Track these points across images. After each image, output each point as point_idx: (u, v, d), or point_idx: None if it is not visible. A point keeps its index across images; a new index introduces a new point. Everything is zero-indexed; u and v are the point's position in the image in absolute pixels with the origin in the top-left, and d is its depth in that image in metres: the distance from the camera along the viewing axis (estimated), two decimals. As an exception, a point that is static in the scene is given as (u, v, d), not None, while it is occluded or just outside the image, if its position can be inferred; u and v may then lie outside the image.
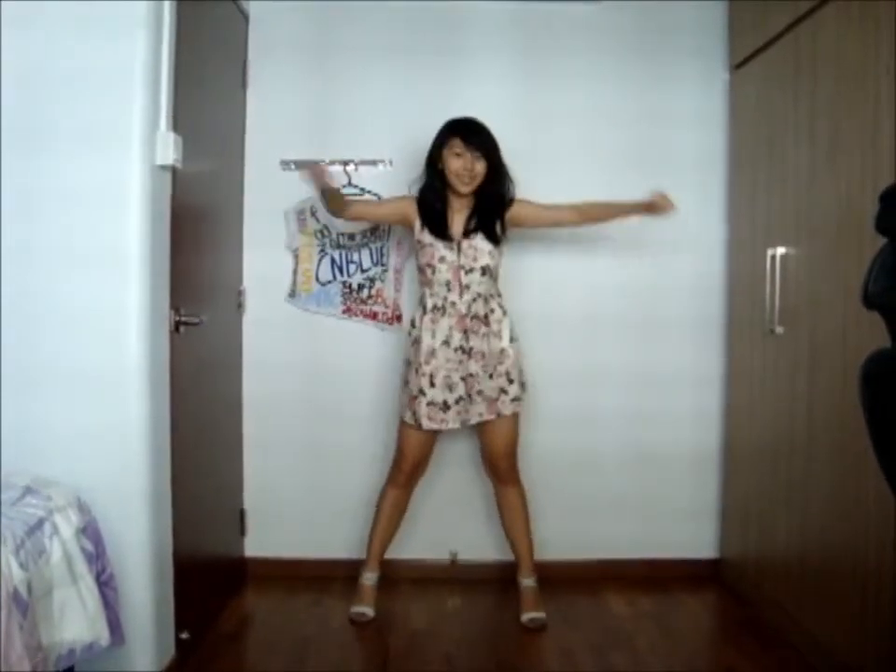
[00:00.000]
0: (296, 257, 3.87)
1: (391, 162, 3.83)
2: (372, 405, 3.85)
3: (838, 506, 2.83)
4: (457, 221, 3.31)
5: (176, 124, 2.75)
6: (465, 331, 3.26)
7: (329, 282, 3.87)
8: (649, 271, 3.87)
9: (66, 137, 2.57)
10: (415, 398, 3.27)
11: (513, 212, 3.33)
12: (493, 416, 3.30)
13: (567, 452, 3.84)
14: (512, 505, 3.44)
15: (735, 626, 3.40)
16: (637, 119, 3.86)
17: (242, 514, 3.85)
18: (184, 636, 2.90)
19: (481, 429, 3.40)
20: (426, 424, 3.27)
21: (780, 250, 3.24)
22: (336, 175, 3.76)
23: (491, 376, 3.28)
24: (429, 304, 3.29)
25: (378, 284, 3.86)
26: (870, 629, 2.63)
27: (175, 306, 2.82)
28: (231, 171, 3.70)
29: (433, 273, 3.27)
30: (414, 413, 3.28)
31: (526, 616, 3.35)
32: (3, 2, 2.54)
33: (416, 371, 3.27)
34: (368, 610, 3.39)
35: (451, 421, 3.29)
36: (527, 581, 3.42)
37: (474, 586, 3.64)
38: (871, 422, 1.65)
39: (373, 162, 3.82)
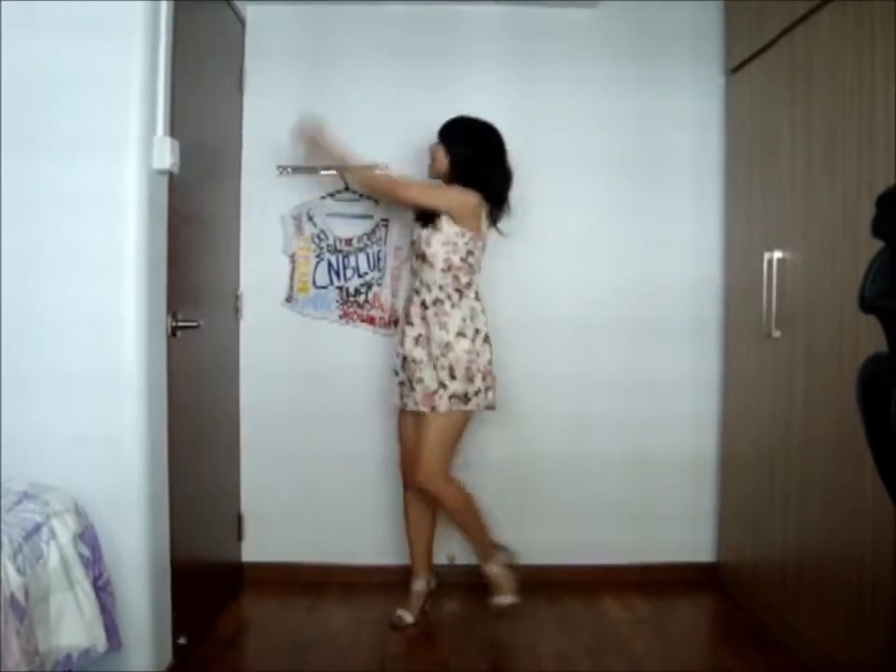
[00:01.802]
0: (293, 261, 3.87)
1: (387, 166, 3.82)
2: (369, 410, 3.85)
3: (835, 510, 2.83)
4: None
5: (173, 129, 2.74)
6: (422, 318, 3.29)
7: (326, 286, 3.87)
8: (645, 275, 3.88)
9: (63, 142, 2.56)
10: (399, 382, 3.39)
11: None
12: (427, 409, 3.25)
13: (563, 456, 3.84)
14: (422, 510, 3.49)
15: (732, 630, 3.40)
16: (633, 123, 3.86)
17: (239, 519, 3.85)
18: (181, 641, 2.89)
19: (412, 429, 3.39)
20: (396, 401, 3.40)
21: (777, 254, 3.24)
22: (333, 180, 3.79)
23: (434, 367, 3.25)
24: (408, 294, 3.45)
25: (375, 288, 3.86)
26: (867, 633, 2.63)
27: (172, 311, 2.81)
28: (228, 175, 3.70)
29: (405, 258, 3.49)
30: (401, 396, 3.38)
31: (493, 600, 3.42)
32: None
33: (397, 354, 3.41)
34: (405, 615, 3.40)
35: (409, 402, 3.32)
36: (486, 568, 3.45)
37: (472, 589, 3.64)
38: (868, 426, 1.65)
39: (370, 167, 3.81)
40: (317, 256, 3.87)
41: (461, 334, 3.25)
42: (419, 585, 3.45)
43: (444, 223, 3.25)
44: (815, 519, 2.99)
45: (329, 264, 3.87)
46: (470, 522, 3.41)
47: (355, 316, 3.88)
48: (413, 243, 3.38)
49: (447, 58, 3.83)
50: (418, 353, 3.27)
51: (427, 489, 3.33)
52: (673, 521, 3.90)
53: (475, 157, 3.31)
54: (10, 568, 1.98)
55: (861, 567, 2.67)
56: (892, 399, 1.55)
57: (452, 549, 3.80)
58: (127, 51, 2.58)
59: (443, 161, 3.34)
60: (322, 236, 3.86)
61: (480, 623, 3.44)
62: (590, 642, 3.25)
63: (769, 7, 3.29)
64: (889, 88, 2.52)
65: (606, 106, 3.81)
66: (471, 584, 3.61)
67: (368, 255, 3.87)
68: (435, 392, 3.22)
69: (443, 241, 3.26)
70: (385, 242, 3.85)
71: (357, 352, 3.86)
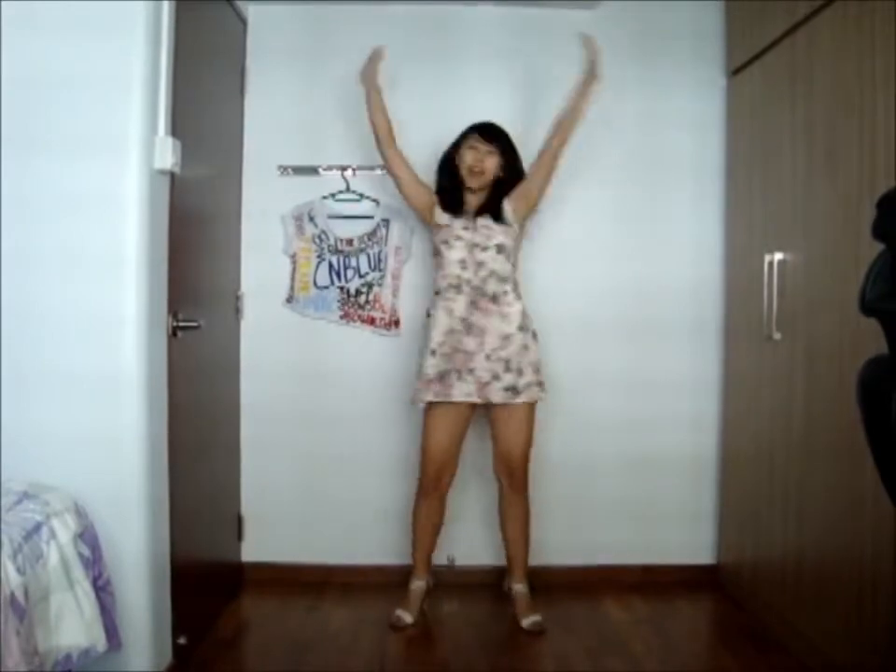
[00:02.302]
0: (294, 262, 3.87)
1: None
2: (370, 410, 3.85)
3: (835, 511, 2.83)
4: (472, 203, 3.40)
5: (175, 129, 2.75)
6: (471, 304, 3.28)
7: (327, 287, 3.87)
8: (646, 276, 3.88)
9: (64, 142, 2.56)
10: (431, 380, 3.29)
11: (518, 192, 3.39)
12: (479, 400, 3.28)
13: (563, 457, 3.84)
14: (517, 515, 3.43)
15: (733, 631, 3.40)
16: (634, 124, 3.87)
17: (239, 519, 3.85)
18: (181, 641, 2.89)
19: (493, 426, 3.39)
20: (441, 397, 3.29)
21: (778, 256, 3.24)
22: (333, 181, 3.79)
23: (488, 357, 3.26)
24: (444, 284, 3.32)
25: (376, 289, 3.86)
26: (867, 634, 2.63)
27: (172, 311, 2.82)
28: (229, 176, 3.70)
29: (448, 250, 3.31)
30: (437, 394, 3.29)
31: (528, 620, 3.35)
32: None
33: (433, 352, 3.29)
34: (404, 615, 3.39)
35: (473, 394, 3.28)
36: (521, 587, 3.42)
37: (471, 591, 3.64)
38: (868, 427, 1.65)
39: (371, 168, 3.82)
40: (318, 256, 3.87)
41: (522, 328, 3.32)
42: (418, 585, 3.45)
43: (507, 216, 3.35)
44: (815, 520, 2.99)
45: (330, 265, 3.87)
46: (527, 532, 3.48)
47: (355, 317, 3.88)
48: (457, 237, 3.31)
49: (448, 59, 3.84)
50: (471, 343, 3.27)
51: (523, 481, 3.40)
52: (673, 522, 3.90)
53: (518, 167, 3.42)
54: (10, 568, 1.98)
55: (861, 567, 2.67)
56: (892, 400, 1.55)
57: (451, 550, 3.80)
58: (128, 51, 2.58)
59: (494, 172, 3.38)
60: (323, 236, 3.86)
61: (479, 623, 3.44)
62: (590, 643, 3.25)
63: (770, 8, 3.29)
64: (890, 90, 2.52)
65: (606, 108, 3.80)
66: (470, 585, 3.62)
67: (369, 255, 3.87)
68: (488, 384, 3.28)
69: (512, 235, 3.36)
70: (386, 242, 3.85)
71: (357, 352, 3.86)
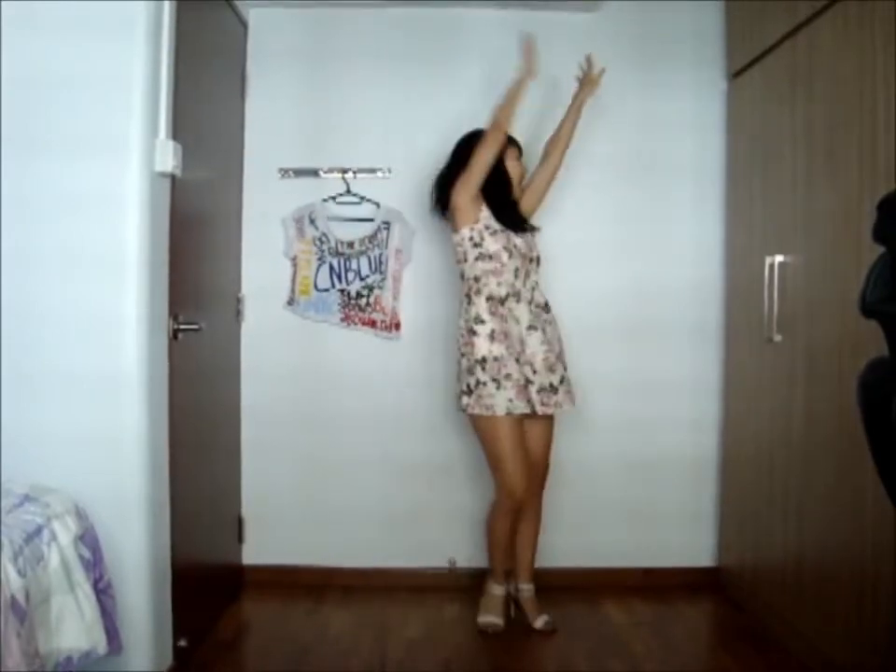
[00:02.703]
0: (294, 264, 3.87)
1: (389, 170, 3.83)
2: (371, 413, 3.85)
3: (836, 513, 2.83)
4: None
5: (176, 132, 2.75)
6: (538, 317, 3.32)
7: (328, 289, 3.87)
8: (646, 277, 3.88)
9: (65, 144, 2.57)
10: (525, 386, 3.23)
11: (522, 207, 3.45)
12: (571, 405, 3.38)
13: (564, 459, 3.83)
14: (533, 517, 3.44)
15: (733, 633, 3.40)
16: (634, 127, 3.87)
17: (240, 522, 3.85)
18: (182, 643, 2.89)
19: (539, 428, 3.38)
20: (542, 409, 3.27)
21: (778, 258, 3.24)
22: (333, 183, 3.79)
23: (552, 368, 3.31)
24: (502, 292, 3.26)
25: (377, 291, 3.86)
26: (867, 635, 2.63)
27: (173, 313, 2.82)
28: (230, 178, 3.70)
29: (509, 257, 3.27)
30: (529, 402, 3.23)
31: (540, 620, 3.36)
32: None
33: (517, 360, 3.21)
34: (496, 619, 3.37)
35: (564, 403, 3.34)
36: (530, 587, 3.43)
37: (472, 593, 3.63)
38: (869, 430, 1.65)
39: (372, 170, 3.82)
40: (319, 259, 3.87)
41: None
42: (500, 590, 3.42)
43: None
44: (815, 521, 2.99)
45: (331, 267, 3.87)
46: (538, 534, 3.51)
47: (356, 319, 3.88)
48: (515, 246, 3.30)
49: (448, 61, 3.84)
50: (552, 355, 3.32)
51: (543, 476, 3.44)
52: (674, 524, 3.90)
53: None
54: (11, 570, 1.98)
55: (861, 568, 2.66)
56: (893, 402, 1.55)
57: (452, 553, 3.80)
58: (129, 53, 2.59)
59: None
60: (324, 239, 3.86)
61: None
62: (591, 645, 3.25)
63: (770, 10, 3.30)
64: (890, 92, 2.52)
65: (607, 110, 3.81)
66: (472, 587, 3.61)
67: (369, 258, 3.87)
68: (570, 388, 3.38)
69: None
70: (387, 245, 3.85)
71: (358, 355, 3.86)
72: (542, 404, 3.26)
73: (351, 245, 3.87)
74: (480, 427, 3.26)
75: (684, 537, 3.91)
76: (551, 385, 3.29)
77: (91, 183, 2.57)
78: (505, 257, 3.26)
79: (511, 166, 3.40)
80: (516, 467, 3.23)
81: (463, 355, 3.27)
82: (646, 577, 3.87)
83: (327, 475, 3.87)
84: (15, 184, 2.57)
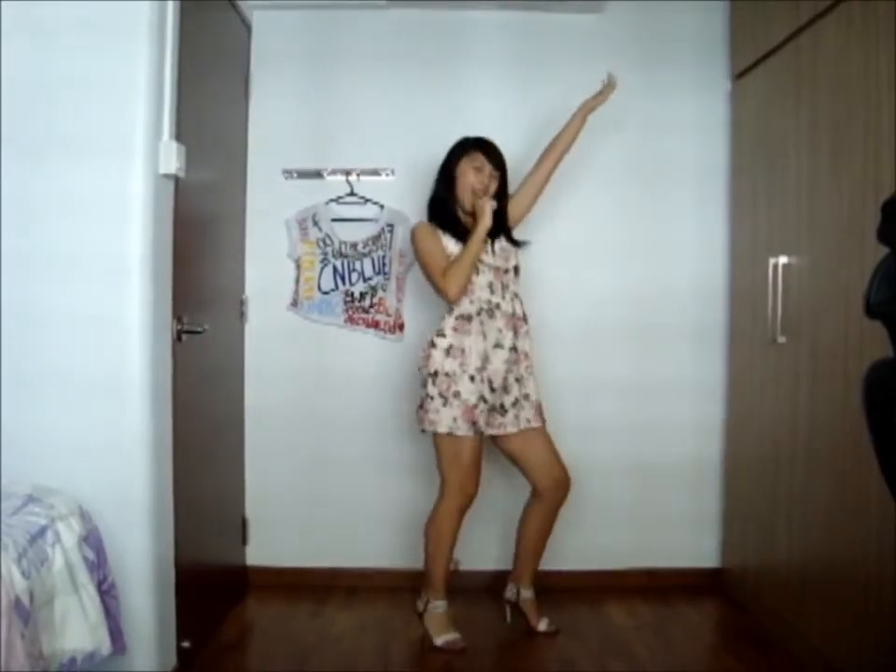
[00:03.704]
0: (298, 266, 3.87)
1: (393, 172, 3.84)
2: (374, 414, 3.85)
3: (839, 515, 2.83)
4: (469, 224, 3.24)
5: (179, 133, 2.76)
6: (515, 331, 3.22)
7: (331, 291, 3.88)
8: (650, 280, 3.88)
9: (69, 146, 2.57)
10: (475, 406, 3.13)
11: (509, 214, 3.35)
12: (539, 424, 3.29)
13: (568, 460, 3.82)
14: (547, 527, 3.39)
15: (736, 635, 3.39)
16: (638, 128, 3.87)
17: (243, 523, 3.85)
18: (185, 644, 2.89)
19: (523, 447, 3.30)
20: (488, 430, 3.20)
21: (782, 259, 3.24)
22: (337, 184, 3.80)
23: (507, 389, 3.22)
24: (472, 309, 3.17)
25: (380, 293, 3.86)
26: (871, 638, 2.63)
27: (177, 315, 2.82)
28: (234, 180, 3.71)
29: (476, 275, 3.17)
30: (475, 424, 3.13)
31: (544, 623, 3.35)
32: (3, 9, 2.55)
33: (471, 378, 3.12)
34: (458, 636, 3.25)
35: (509, 425, 3.23)
36: (531, 592, 3.40)
37: (476, 595, 3.63)
38: (873, 431, 1.65)
39: (376, 172, 3.83)
40: (322, 260, 3.88)
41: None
42: (445, 605, 3.32)
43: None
44: (819, 524, 2.98)
45: (335, 269, 3.88)
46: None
47: (360, 321, 3.88)
48: (481, 262, 3.18)
49: (451, 63, 3.84)
50: (519, 370, 3.23)
51: (568, 490, 3.37)
52: (677, 526, 3.90)
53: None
54: (15, 572, 1.98)
55: (864, 571, 2.66)
56: (897, 404, 1.55)
57: (456, 555, 3.79)
58: (133, 54, 2.59)
59: (493, 190, 3.25)
60: (327, 240, 3.86)
61: (484, 627, 3.43)
62: (594, 647, 3.24)
63: (774, 11, 3.29)
64: (894, 93, 2.52)
65: (611, 111, 3.80)
66: (475, 589, 3.61)
67: (373, 259, 3.87)
68: (540, 404, 3.30)
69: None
70: (391, 246, 3.85)
71: (362, 356, 3.86)
72: (487, 424, 3.18)
73: (354, 246, 3.87)
74: (433, 440, 3.23)
75: (687, 539, 3.90)
76: (501, 406, 3.20)
77: (94, 184, 2.58)
78: (473, 275, 3.18)
79: (470, 172, 3.21)
80: (466, 464, 3.19)
81: (419, 368, 3.24)
82: (649, 578, 3.87)
83: (330, 476, 3.87)
84: (19, 186, 2.57)
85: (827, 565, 2.94)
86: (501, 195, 3.27)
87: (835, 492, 2.85)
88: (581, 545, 3.86)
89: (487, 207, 3.13)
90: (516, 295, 3.27)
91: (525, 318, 3.28)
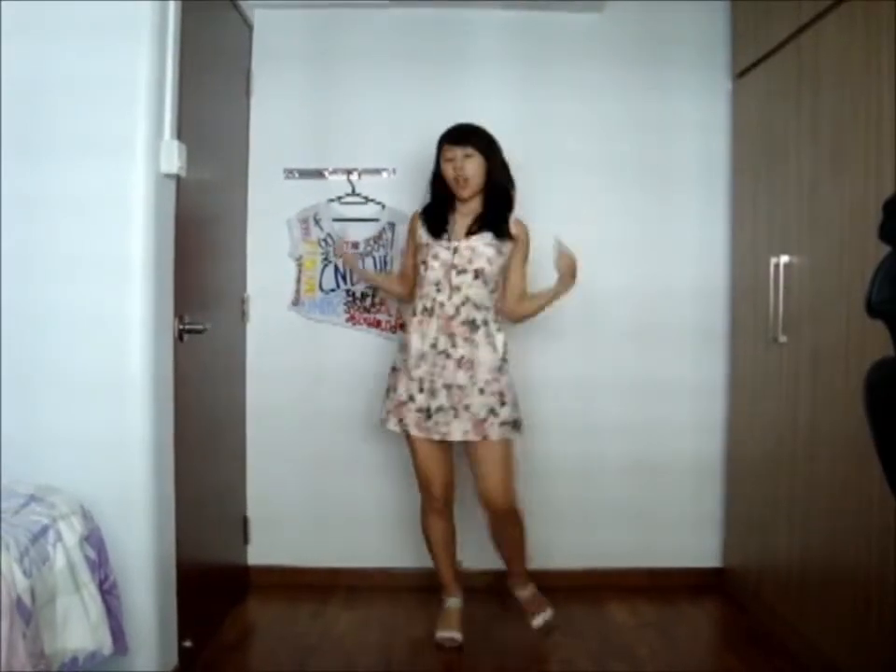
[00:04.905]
0: (299, 265, 3.87)
1: (395, 171, 3.84)
2: (376, 414, 3.84)
3: (841, 515, 2.82)
4: (460, 224, 3.19)
5: (181, 132, 2.75)
6: (451, 335, 3.10)
7: (333, 290, 3.88)
8: (651, 279, 3.88)
9: (70, 145, 2.57)
10: (404, 403, 3.14)
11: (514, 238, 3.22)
12: (479, 438, 3.08)
13: (569, 461, 3.84)
14: (509, 537, 3.30)
15: (738, 635, 3.39)
16: (639, 128, 3.86)
17: (245, 522, 3.85)
18: (187, 644, 2.89)
19: (471, 457, 3.19)
20: (413, 431, 3.15)
21: (784, 258, 3.23)
22: (338, 184, 3.80)
23: (482, 392, 3.08)
24: (419, 306, 3.17)
25: (381, 292, 3.86)
26: (872, 639, 2.62)
27: (178, 314, 2.82)
28: (235, 179, 3.70)
29: (425, 270, 3.16)
30: (401, 421, 3.15)
31: (536, 620, 3.34)
32: (3, 8, 2.55)
33: (408, 376, 3.14)
34: (455, 634, 3.25)
35: (432, 430, 3.11)
36: (524, 591, 3.38)
37: (478, 594, 3.63)
38: (875, 431, 1.64)
39: (377, 171, 3.82)
40: (324, 259, 3.88)
41: (506, 359, 3.15)
42: (455, 603, 3.36)
43: (501, 242, 3.16)
44: (821, 524, 2.98)
45: (336, 268, 3.88)
46: (522, 545, 3.32)
47: (361, 320, 3.88)
48: (454, 251, 3.13)
49: (453, 62, 3.84)
50: (461, 377, 3.08)
51: (509, 512, 3.21)
52: (679, 525, 3.89)
53: (507, 170, 3.21)
54: (17, 571, 1.98)
55: (866, 571, 2.66)
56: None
57: (459, 553, 3.79)
58: (134, 54, 2.59)
59: (481, 176, 3.15)
60: (329, 240, 3.86)
61: (486, 627, 3.43)
62: (595, 646, 3.24)
63: (776, 10, 3.29)
64: (895, 92, 2.52)
65: (612, 111, 3.81)
66: (478, 588, 3.61)
67: (374, 258, 3.87)
68: (485, 420, 3.07)
69: (498, 259, 3.17)
70: (392, 246, 3.85)
71: (363, 355, 3.86)
72: (417, 426, 3.13)
73: (356, 245, 3.87)
74: None
75: (689, 538, 3.90)
76: (427, 410, 3.11)
77: (95, 184, 2.58)
78: (423, 269, 3.16)
79: (446, 166, 3.15)
80: (422, 465, 3.21)
81: None
82: (650, 578, 3.87)
83: (332, 475, 3.88)
84: (20, 185, 2.57)
85: (828, 564, 2.94)
86: (496, 178, 3.17)
87: (837, 491, 2.85)
88: (582, 544, 3.86)
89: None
90: (468, 299, 3.11)
91: (475, 324, 3.10)
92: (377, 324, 3.87)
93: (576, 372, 3.85)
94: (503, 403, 3.10)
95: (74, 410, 2.59)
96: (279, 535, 3.86)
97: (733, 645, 3.33)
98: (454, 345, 3.10)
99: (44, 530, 2.21)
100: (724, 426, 3.88)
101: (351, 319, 3.88)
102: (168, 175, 2.71)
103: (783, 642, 3.20)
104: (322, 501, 3.88)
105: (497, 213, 3.19)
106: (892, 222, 1.60)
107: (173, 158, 2.68)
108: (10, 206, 2.57)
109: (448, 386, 3.09)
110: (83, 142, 2.57)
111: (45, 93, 2.58)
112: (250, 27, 3.79)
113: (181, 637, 2.86)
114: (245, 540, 3.86)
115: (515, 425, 3.14)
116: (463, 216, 3.23)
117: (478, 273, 3.13)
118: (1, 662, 1.82)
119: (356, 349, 3.87)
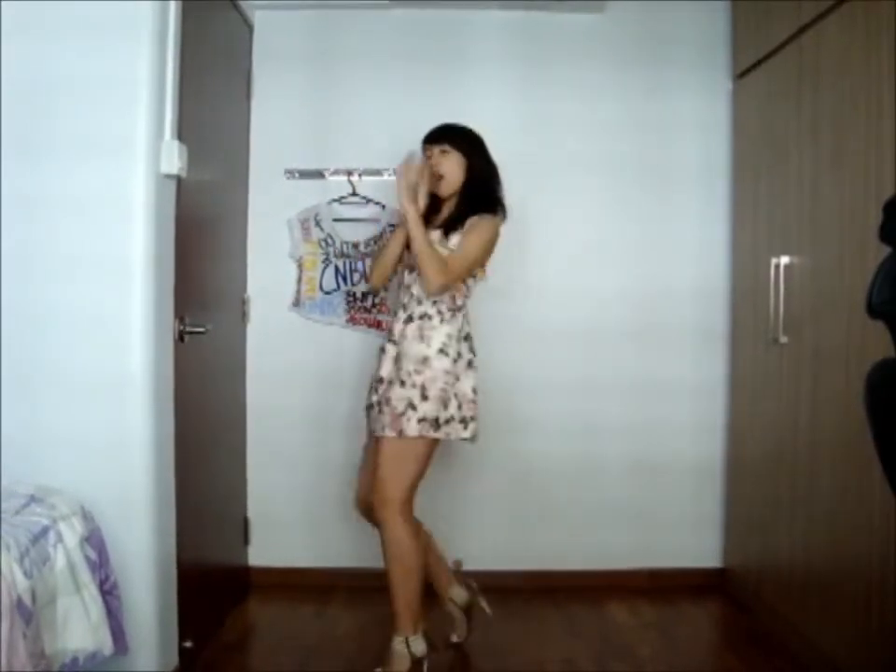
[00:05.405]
0: (300, 265, 3.87)
1: (395, 172, 3.83)
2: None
3: (842, 515, 2.82)
4: (434, 222, 3.02)
5: (181, 133, 2.75)
6: (390, 332, 2.97)
7: (333, 291, 3.88)
8: (652, 280, 3.88)
9: (71, 146, 2.57)
10: (368, 404, 3.05)
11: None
12: (394, 434, 2.82)
13: (570, 462, 3.84)
14: (385, 552, 2.95)
15: (738, 636, 3.39)
16: (639, 129, 3.86)
17: (245, 523, 3.85)
18: (187, 644, 2.89)
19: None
20: (370, 428, 3.00)
21: (784, 259, 3.23)
22: (339, 184, 3.80)
23: (402, 384, 2.84)
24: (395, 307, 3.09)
25: (382, 293, 3.86)
26: (873, 639, 2.62)
27: (179, 315, 2.82)
28: (236, 179, 3.70)
29: (398, 270, 3.07)
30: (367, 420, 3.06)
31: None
32: (3, 8, 2.55)
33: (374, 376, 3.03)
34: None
35: (377, 428, 2.89)
36: (393, 644, 2.94)
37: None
38: (876, 431, 1.64)
39: (377, 172, 3.82)
40: (324, 260, 3.88)
41: (443, 352, 2.86)
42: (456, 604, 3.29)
43: (455, 237, 2.91)
44: (821, 524, 2.98)
45: (336, 268, 3.88)
46: (402, 579, 2.92)
47: (362, 321, 3.88)
48: (409, 251, 2.97)
49: (453, 62, 3.84)
50: (387, 370, 2.92)
51: (379, 516, 2.90)
52: (680, 526, 3.89)
53: (490, 170, 3.03)
54: (17, 572, 1.98)
55: (867, 571, 2.66)
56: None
57: (458, 555, 3.79)
58: (135, 54, 2.59)
59: (458, 174, 2.98)
60: (329, 240, 3.87)
61: (485, 627, 3.43)
62: (596, 647, 3.24)
63: (776, 11, 3.29)
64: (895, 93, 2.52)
65: (612, 111, 3.81)
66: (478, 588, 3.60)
67: (374, 259, 3.87)
68: (402, 414, 2.81)
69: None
70: (392, 246, 3.85)
71: (364, 356, 3.85)
72: (369, 423, 3.01)
73: (356, 246, 3.87)
74: None
75: (690, 539, 3.90)
76: (369, 406, 2.98)
77: (96, 184, 2.58)
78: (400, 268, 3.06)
79: (428, 166, 3.00)
80: (361, 473, 3.10)
81: None
82: (651, 578, 3.87)
83: (332, 476, 3.87)
84: (20, 186, 2.57)
85: (829, 564, 2.94)
86: (473, 177, 2.99)
87: (837, 492, 2.85)
88: (583, 545, 3.86)
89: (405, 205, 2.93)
90: (413, 295, 2.93)
91: (412, 318, 2.91)
92: (377, 325, 3.87)
93: (576, 373, 3.85)
94: (424, 398, 2.82)
95: (74, 410, 2.59)
96: (279, 535, 3.86)
97: (733, 645, 3.33)
98: (393, 342, 2.94)
99: (44, 531, 2.21)
100: (725, 426, 3.88)
101: (351, 320, 3.88)
102: (168, 176, 2.71)
103: (784, 642, 3.20)
104: (323, 502, 3.88)
105: (465, 212, 2.96)
106: (893, 223, 1.60)
107: (173, 158, 2.68)
108: (10, 206, 2.57)
109: (380, 381, 2.94)
110: (83, 142, 2.57)
111: (45, 93, 2.58)
112: (250, 28, 3.79)
113: (181, 638, 2.86)
114: (246, 541, 3.86)
115: (436, 423, 2.82)
116: (444, 215, 3.07)
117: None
118: (1, 662, 1.82)
119: (356, 350, 3.86)
